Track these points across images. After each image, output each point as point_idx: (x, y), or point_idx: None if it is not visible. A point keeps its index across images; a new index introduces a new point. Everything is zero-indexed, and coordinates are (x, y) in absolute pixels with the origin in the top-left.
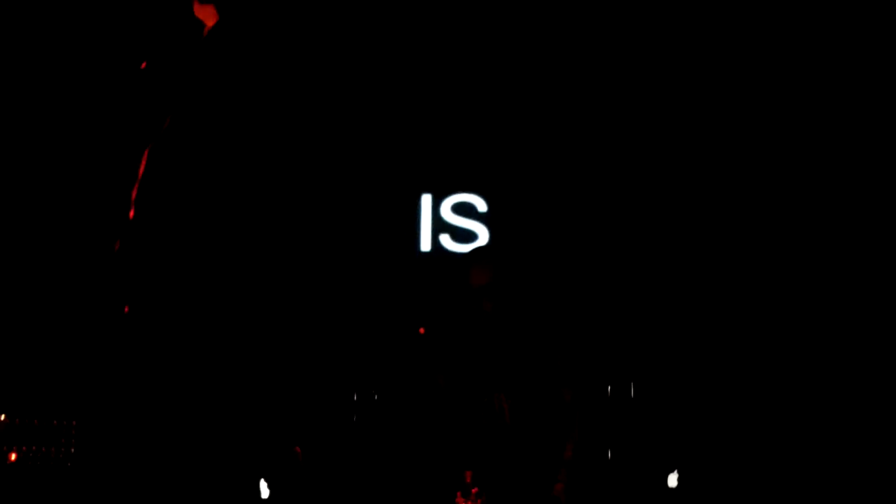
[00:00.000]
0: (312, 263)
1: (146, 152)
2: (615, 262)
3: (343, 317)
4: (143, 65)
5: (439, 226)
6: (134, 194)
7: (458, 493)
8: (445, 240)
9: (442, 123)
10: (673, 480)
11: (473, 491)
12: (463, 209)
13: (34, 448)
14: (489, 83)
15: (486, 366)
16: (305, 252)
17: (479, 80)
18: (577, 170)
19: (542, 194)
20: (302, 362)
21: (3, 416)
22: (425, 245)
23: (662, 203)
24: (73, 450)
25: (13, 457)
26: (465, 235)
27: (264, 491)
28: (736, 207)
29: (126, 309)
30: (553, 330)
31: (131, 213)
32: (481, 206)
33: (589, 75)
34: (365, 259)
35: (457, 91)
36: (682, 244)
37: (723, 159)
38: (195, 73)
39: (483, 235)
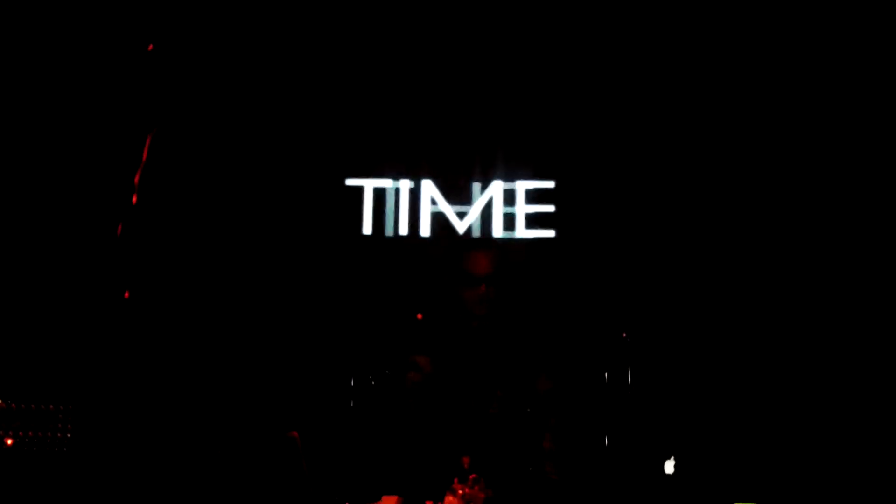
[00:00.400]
0: (311, 247)
1: (149, 138)
2: (601, 251)
3: (342, 301)
4: (150, 47)
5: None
6: (137, 179)
7: (456, 480)
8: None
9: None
10: (670, 467)
11: (471, 477)
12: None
13: (31, 433)
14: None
15: (481, 353)
16: (305, 236)
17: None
18: (570, 159)
19: (535, 185)
20: (300, 347)
21: None
22: (424, 230)
23: (651, 196)
24: (69, 434)
25: (9, 442)
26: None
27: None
28: (725, 200)
29: (126, 294)
30: (543, 319)
31: (134, 199)
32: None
33: (584, 70)
34: (363, 245)
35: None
36: (669, 235)
37: (726, 159)
38: (197, 61)
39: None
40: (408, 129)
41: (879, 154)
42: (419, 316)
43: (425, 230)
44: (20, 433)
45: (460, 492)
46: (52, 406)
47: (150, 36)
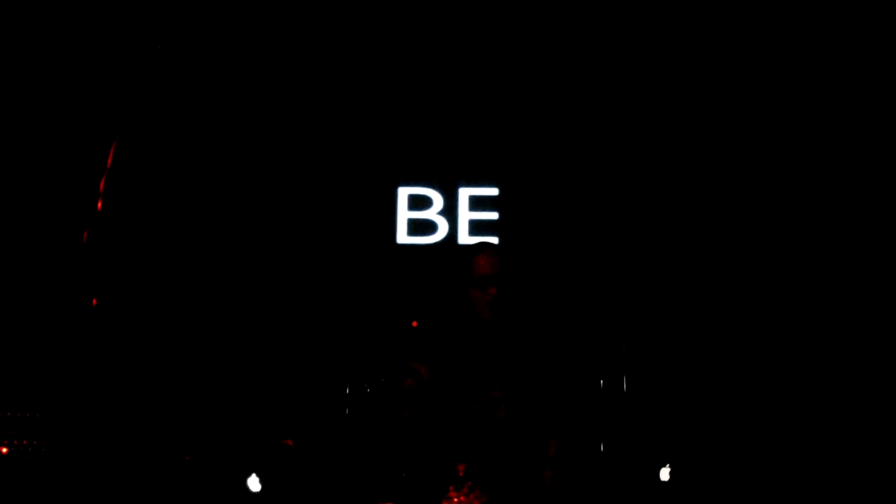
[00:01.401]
0: (297, 254)
1: (114, 144)
2: (602, 259)
3: (334, 309)
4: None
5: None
6: (102, 186)
7: (451, 487)
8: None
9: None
10: (665, 474)
11: (467, 485)
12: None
13: (24, 442)
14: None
15: (480, 361)
16: (289, 242)
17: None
18: (557, 165)
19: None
20: (292, 354)
21: None
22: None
23: (648, 198)
24: (44, 442)
25: (4, 450)
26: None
27: (255, 485)
28: (724, 203)
29: (94, 301)
30: (543, 326)
31: (99, 205)
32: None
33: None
34: (352, 250)
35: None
36: (670, 239)
37: (725, 157)
38: (162, 67)
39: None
40: (384, 136)
41: (851, 157)
42: (414, 324)
43: (402, 237)
44: (14, 442)
45: (456, 500)
46: (19, 414)
47: (119, 41)
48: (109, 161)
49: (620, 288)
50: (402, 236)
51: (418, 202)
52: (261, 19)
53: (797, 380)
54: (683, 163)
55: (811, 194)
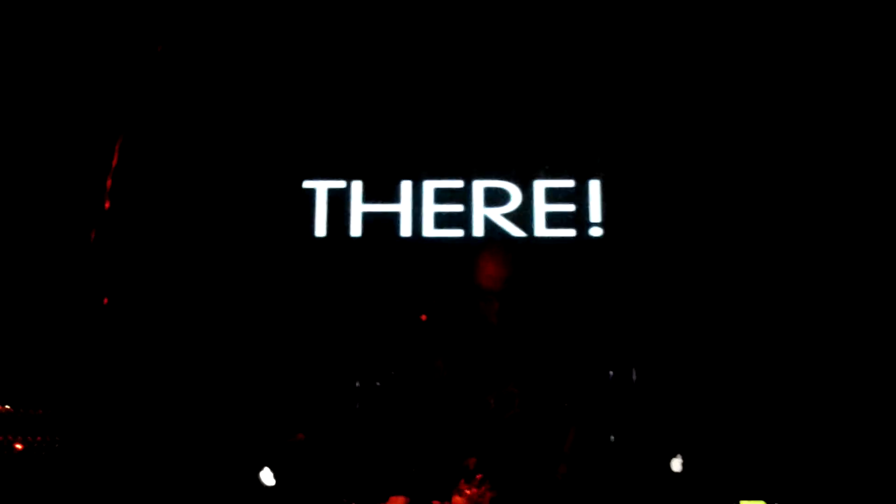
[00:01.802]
0: (305, 250)
1: (118, 143)
2: (615, 254)
3: (346, 305)
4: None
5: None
6: (108, 185)
7: (462, 480)
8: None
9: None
10: (677, 465)
11: (477, 477)
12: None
13: (38, 438)
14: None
15: (494, 356)
16: (297, 238)
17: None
18: (556, 163)
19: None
20: (306, 349)
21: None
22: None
23: (651, 195)
24: (48, 438)
25: (19, 446)
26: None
27: (269, 479)
28: (729, 201)
29: (105, 300)
30: (557, 323)
31: (106, 204)
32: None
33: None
34: (361, 247)
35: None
36: (679, 232)
37: (726, 159)
38: (165, 69)
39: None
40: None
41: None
42: (423, 317)
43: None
44: (28, 438)
45: (467, 492)
46: (51, 411)
47: (123, 42)
48: (115, 160)
49: (629, 282)
50: (406, 231)
51: (445, 195)
52: (260, 22)
53: (806, 371)
54: (685, 163)
55: (811, 195)
